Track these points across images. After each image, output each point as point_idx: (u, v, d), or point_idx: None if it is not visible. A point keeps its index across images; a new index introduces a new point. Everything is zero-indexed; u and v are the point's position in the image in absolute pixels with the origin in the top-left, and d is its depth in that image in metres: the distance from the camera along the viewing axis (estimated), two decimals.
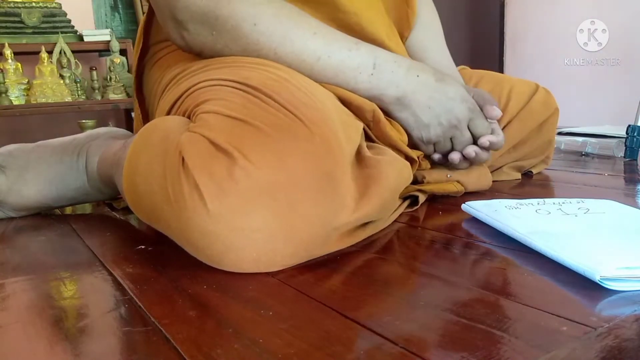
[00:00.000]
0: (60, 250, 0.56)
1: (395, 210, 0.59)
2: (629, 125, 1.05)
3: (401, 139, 0.64)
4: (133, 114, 2.50)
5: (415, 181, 0.68)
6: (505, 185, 0.79)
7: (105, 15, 2.66)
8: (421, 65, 0.66)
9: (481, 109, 0.67)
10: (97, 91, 2.40)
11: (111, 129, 0.77)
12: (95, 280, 0.45)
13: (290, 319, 0.34)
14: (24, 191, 0.70)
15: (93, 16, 2.61)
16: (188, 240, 0.44)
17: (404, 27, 0.78)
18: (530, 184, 0.81)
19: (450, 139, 0.67)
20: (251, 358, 0.29)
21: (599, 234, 0.47)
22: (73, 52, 2.40)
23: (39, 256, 0.54)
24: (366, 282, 0.41)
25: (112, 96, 2.43)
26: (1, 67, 2.23)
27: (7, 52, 2.23)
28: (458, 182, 0.69)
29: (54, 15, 2.39)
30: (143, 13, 2.62)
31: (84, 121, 2.30)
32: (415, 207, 0.63)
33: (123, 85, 2.46)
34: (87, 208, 0.78)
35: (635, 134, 1.03)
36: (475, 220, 0.57)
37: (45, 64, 2.27)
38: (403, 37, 0.78)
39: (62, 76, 2.35)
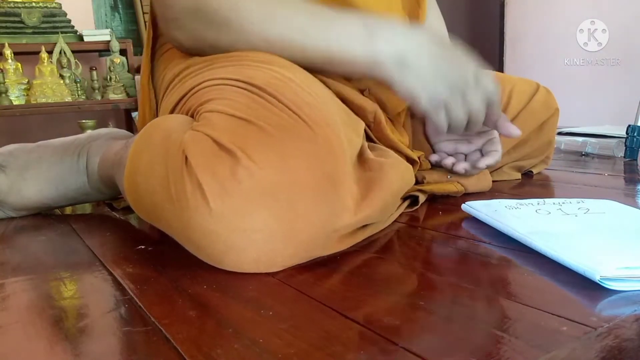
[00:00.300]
0: (60, 250, 0.56)
1: (395, 211, 0.59)
2: (629, 125, 1.05)
3: (401, 141, 0.64)
4: (133, 114, 2.50)
5: (415, 181, 0.68)
6: (505, 185, 0.79)
7: (105, 15, 2.66)
8: (417, 26, 0.62)
9: (493, 127, 0.67)
10: (97, 91, 2.40)
11: (112, 130, 0.77)
12: (95, 280, 0.45)
13: (290, 319, 0.34)
14: (24, 191, 0.70)
15: (93, 16, 2.61)
16: (189, 239, 0.44)
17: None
18: (530, 184, 0.81)
19: (461, 100, 0.59)
20: (251, 358, 0.29)
21: (599, 234, 0.47)
22: (73, 52, 2.40)
23: (39, 256, 0.54)
24: (366, 282, 0.41)
25: (112, 96, 2.43)
26: (1, 67, 2.23)
27: (7, 52, 2.23)
28: (458, 182, 0.69)
29: (54, 15, 2.39)
30: (143, 13, 2.62)
31: (84, 121, 2.30)
32: (416, 207, 0.63)
33: (123, 85, 2.46)
34: (87, 208, 0.78)
35: (635, 134, 1.03)
36: (475, 220, 0.57)
37: (45, 64, 2.27)
38: None
39: (62, 76, 2.35)
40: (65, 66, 2.37)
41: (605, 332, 0.31)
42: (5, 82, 2.21)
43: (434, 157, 0.70)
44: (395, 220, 0.58)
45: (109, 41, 2.45)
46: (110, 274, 0.46)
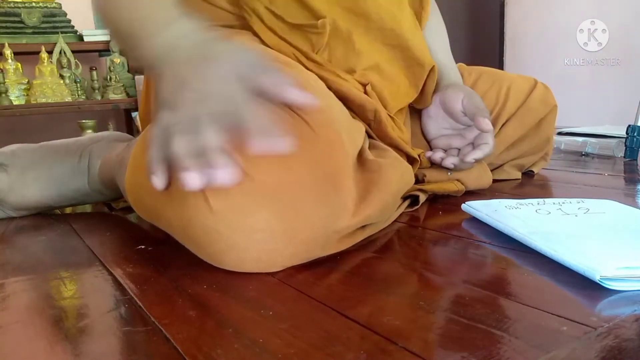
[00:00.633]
0: (60, 250, 0.56)
1: (395, 210, 0.59)
2: (629, 125, 1.05)
3: (402, 138, 0.64)
4: (134, 114, 2.50)
5: (415, 179, 0.68)
6: (506, 185, 0.79)
7: None
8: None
9: (472, 119, 0.67)
10: (97, 91, 2.40)
11: (114, 133, 0.78)
12: (95, 280, 0.45)
13: (290, 318, 0.34)
14: (24, 190, 0.70)
15: (93, 16, 2.61)
16: (190, 238, 0.44)
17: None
18: (530, 184, 0.81)
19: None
20: (251, 358, 0.29)
21: (599, 234, 0.47)
22: (73, 52, 2.39)
23: (39, 256, 0.54)
24: (366, 282, 0.41)
25: (112, 96, 2.43)
26: (1, 67, 2.23)
27: (7, 52, 2.23)
28: (458, 180, 0.69)
29: (54, 15, 2.38)
30: None
31: (84, 121, 2.30)
32: (416, 207, 0.63)
33: (123, 85, 2.46)
34: (87, 208, 0.78)
35: (635, 134, 1.03)
36: (475, 220, 0.57)
37: (45, 64, 2.27)
38: None
39: (62, 76, 2.35)
40: (65, 66, 2.37)
41: (605, 332, 0.31)
42: (5, 82, 2.21)
43: (428, 154, 0.70)
44: (395, 220, 0.58)
45: (109, 41, 2.45)
46: (110, 273, 0.46)
